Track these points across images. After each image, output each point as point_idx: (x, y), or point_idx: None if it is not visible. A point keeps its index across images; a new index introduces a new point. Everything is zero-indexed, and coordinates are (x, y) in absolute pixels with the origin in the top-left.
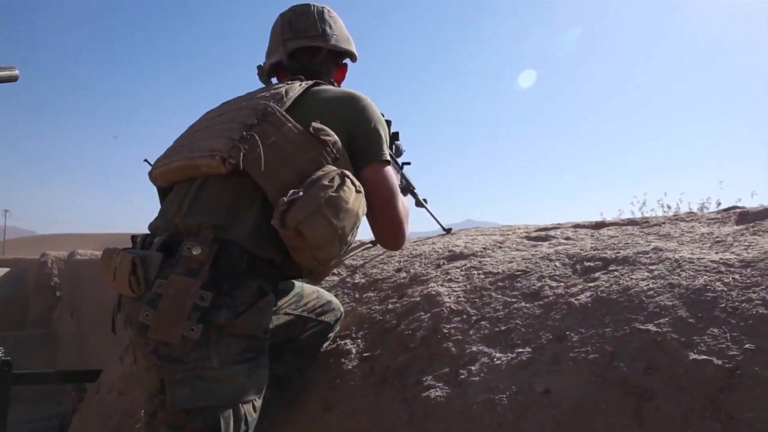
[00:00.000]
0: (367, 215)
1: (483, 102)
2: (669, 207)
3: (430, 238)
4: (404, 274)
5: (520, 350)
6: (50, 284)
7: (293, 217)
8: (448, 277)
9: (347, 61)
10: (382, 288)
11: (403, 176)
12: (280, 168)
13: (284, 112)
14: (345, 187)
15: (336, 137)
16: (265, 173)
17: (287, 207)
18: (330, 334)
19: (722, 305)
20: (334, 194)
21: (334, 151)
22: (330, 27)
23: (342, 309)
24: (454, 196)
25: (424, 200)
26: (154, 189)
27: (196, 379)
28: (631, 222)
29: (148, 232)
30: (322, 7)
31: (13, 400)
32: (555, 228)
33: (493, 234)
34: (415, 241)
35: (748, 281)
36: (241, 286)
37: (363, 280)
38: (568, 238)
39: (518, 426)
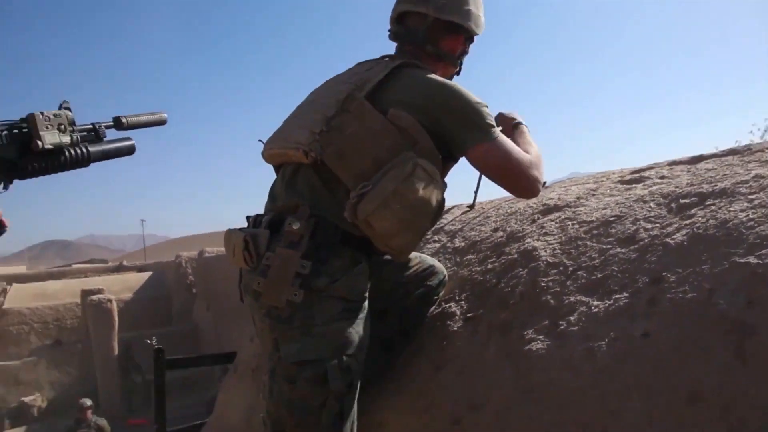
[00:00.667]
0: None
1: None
2: None
3: None
4: (501, 233)
5: (617, 296)
6: (186, 282)
7: (363, 210)
8: (544, 230)
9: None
10: (481, 249)
11: None
12: (357, 158)
13: (364, 101)
14: (414, 178)
15: (413, 120)
16: (342, 164)
17: (357, 200)
18: (435, 297)
19: None
20: (401, 186)
21: (413, 135)
22: None
23: (445, 272)
24: (559, 151)
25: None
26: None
27: (303, 336)
28: (732, 152)
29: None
30: None
31: (168, 387)
32: (650, 168)
33: (587, 182)
34: (509, 199)
35: None
36: (336, 254)
37: (462, 244)
38: (663, 177)
39: (618, 371)
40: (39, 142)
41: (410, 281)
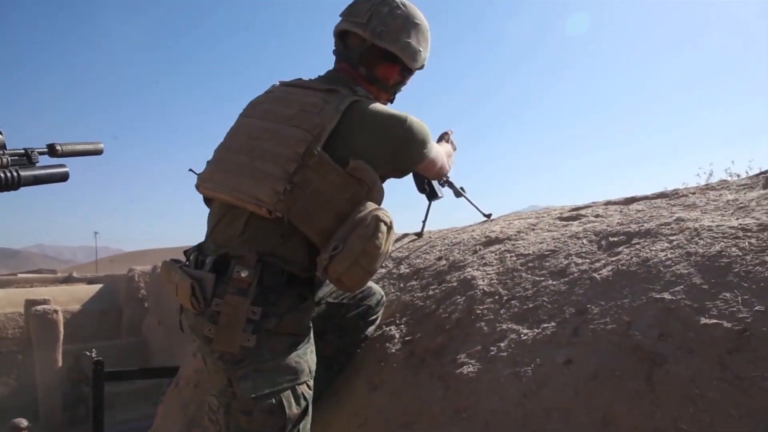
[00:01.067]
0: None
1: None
2: (738, 176)
3: (470, 226)
4: (444, 262)
5: (545, 325)
6: (138, 296)
7: (335, 270)
8: (483, 261)
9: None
10: (424, 276)
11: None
12: (320, 213)
13: (324, 155)
14: (379, 233)
15: (369, 169)
16: (308, 222)
17: (329, 261)
18: (373, 317)
19: (736, 270)
20: (369, 245)
21: (369, 184)
22: (382, 19)
23: (383, 293)
24: (517, 183)
25: (462, 189)
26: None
27: (255, 373)
28: (661, 195)
29: (196, 247)
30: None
31: (110, 401)
32: (587, 207)
33: (529, 217)
34: (455, 230)
35: (764, 244)
36: (283, 295)
37: (407, 270)
38: (597, 216)
39: (540, 394)
40: None
41: (349, 302)
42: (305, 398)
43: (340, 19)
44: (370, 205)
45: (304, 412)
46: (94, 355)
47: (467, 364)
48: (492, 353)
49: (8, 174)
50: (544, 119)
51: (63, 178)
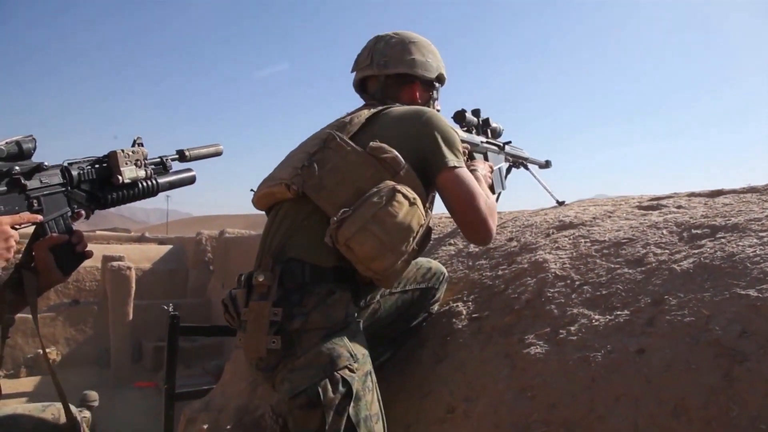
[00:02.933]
0: (452, 217)
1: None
2: None
3: (543, 209)
4: (515, 243)
5: (618, 312)
6: (205, 259)
7: (343, 234)
8: (556, 245)
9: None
10: (494, 256)
11: (508, 155)
12: (339, 189)
13: (344, 137)
14: (394, 202)
15: (395, 153)
16: (323, 195)
17: (338, 225)
18: (437, 294)
19: None
20: (381, 210)
21: (393, 166)
22: (381, 52)
23: (444, 270)
24: (586, 172)
25: (547, 162)
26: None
27: (290, 373)
28: (751, 189)
29: None
30: (380, 36)
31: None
32: (669, 197)
33: (605, 205)
34: (529, 212)
35: None
36: (308, 293)
37: (477, 249)
38: (680, 207)
39: (609, 380)
40: (119, 177)
41: (410, 287)
42: (346, 383)
43: (353, 76)
44: (394, 183)
45: (347, 396)
46: (171, 309)
47: (535, 344)
48: (561, 336)
49: (151, 183)
50: (616, 105)
51: (191, 181)
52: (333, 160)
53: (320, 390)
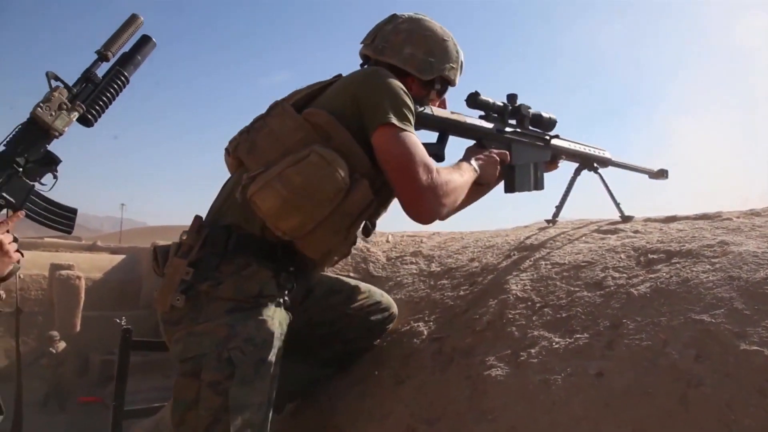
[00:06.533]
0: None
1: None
2: None
3: (504, 230)
4: (476, 264)
5: (578, 335)
6: None
7: (251, 190)
8: (517, 267)
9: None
10: (455, 276)
11: (566, 152)
12: (267, 150)
13: (285, 104)
14: (305, 163)
15: (328, 117)
16: (252, 157)
17: (249, 181)
18: (380, 332)
19: None
20: (288, 169)
21: (328, 131)
22: (384, 36)
23: (394, 308)
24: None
25: (662, 170)
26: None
27: (187, 336)
28: (703, 216)
29: None
30: (394, 16)
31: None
32: (625, 221)
33: (566, 228)
34: (490, 234)
35: None
36: (227, 261)
37: (438, 269)
38: (636, 232)
39: (569, 404)
40: (55, 133)
41: (355, 313)
42: (232, 364)
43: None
44: (318, 146)
45: (230, 377)
46: (123, 323)
47: (496, 366)
48: (522, 358)
49: (103, 100)
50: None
51: (152, 47)
52: (271, 125)
53: (203, 365)
